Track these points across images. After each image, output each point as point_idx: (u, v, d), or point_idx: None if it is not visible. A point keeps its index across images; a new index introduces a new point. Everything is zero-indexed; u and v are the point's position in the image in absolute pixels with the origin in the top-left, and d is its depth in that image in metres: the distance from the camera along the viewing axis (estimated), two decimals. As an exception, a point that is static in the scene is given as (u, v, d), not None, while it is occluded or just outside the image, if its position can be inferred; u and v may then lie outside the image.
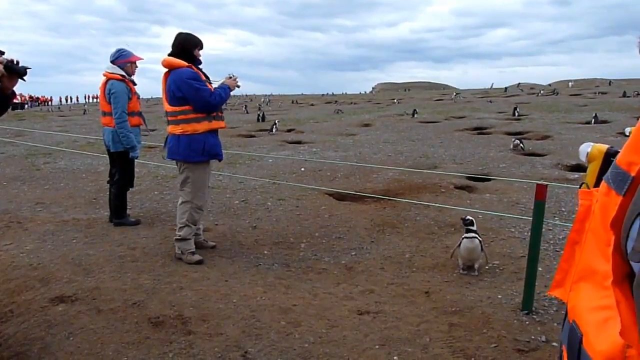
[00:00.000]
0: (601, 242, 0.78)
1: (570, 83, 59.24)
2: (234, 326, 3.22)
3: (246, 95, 63.79)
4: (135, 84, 5.48)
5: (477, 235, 4.16)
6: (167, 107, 4.32)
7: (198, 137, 4.27)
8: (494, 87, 61.18)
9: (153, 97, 60.97)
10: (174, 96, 4.22)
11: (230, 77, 4.50)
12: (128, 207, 5.78)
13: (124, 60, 5.37)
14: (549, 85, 64.36)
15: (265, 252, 4.81)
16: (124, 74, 5.34)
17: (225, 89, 4.39)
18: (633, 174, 0.70)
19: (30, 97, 53.94)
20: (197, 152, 4.30)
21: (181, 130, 4.25)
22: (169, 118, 4.33)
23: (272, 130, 15.69)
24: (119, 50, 5.42)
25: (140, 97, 5.91)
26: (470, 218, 4.29)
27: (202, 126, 4.29)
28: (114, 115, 5.27)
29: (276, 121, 16.92)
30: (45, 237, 5.13)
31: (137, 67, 5.54)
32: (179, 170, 4.48)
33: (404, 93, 63.23)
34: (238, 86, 4.54)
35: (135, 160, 5.60)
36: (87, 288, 3.76)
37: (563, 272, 0.97)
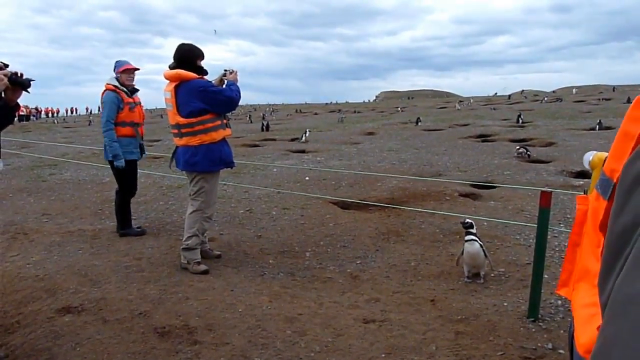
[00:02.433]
0: (593, 243, 0.84)
1: (574, 89, 59.12)
2: (239, 336, 3.22)
3: (250, 105, 64.00)
4: (130, 95, 5.43)
5: (476, 239, 4.15)
6: (181, 120, 4.28)
7: (215, 146, 4.33)
8: (497, 95, 61.15)
9: (157, 107, 61.20)
10: (191, 108, 4.23)
11: (231, 72, 4.51)
12: (133, 217, 5.81)
13: (117, 70, 5.43)
14: (553, 92, 64.34)
15: (271, 261, 4.81)
16: (117, 84, 5.39)
17: (235, 85, 4.45)
18: (614, 180, 0.74)
19: (35, 108, 54.29)
20: (215, 162, 4.37)
21: (199, 141, 4.28)
22: (184, 130, 4.30)
23: (301, 138, 15.84)
24: (116, 62, 5.52)
25: (144, 108, 5.92)
26: (470, 221, 4.29)
27: (219, 135, 4.35)
28: (101, 124, 5.37)
29: (307, 130, 17.02)
30: (51, 248, 5.15)
31: (131, 76, 5.49)
32: (190, 180, 4.50)
33: (407, 101, 63.34)
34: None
35: (138, 169, 5.64)
36: (94, 298, 3.78)
37: (567, 272, 1.04)
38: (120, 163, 5.39)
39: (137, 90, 5.60)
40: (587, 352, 0.75)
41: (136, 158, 5.56)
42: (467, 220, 4.32)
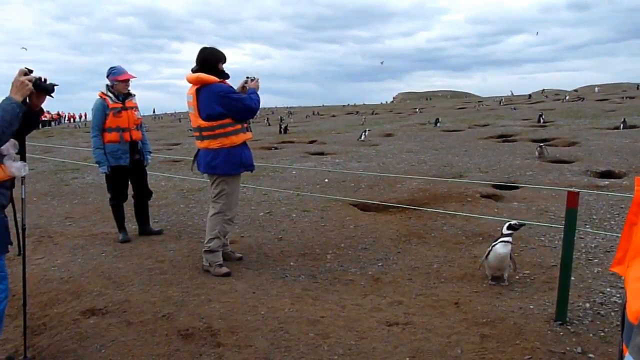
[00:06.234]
0: None
1: (596, 88, 57.99)
2: (262, 338, 3.21)
3: (267, 109, 64.24)
4: (120, 100, 5.35)
5: (511, 241, 4.07)
6: (202, 123, 4.30)
7: (235, 150, 4.35)
8: (514, 94, 60.26)
9: (176, 111, 61.83)
10: (211, 112, 4.24)
11: (253, 80, 4.51)
12: (155, 220, 5.85)
13: (111, 77, 5.37)
14: (575, 90, 63.26)
15: (292, 263, 4.80)
16: (104, 90, 5.38)
17: (256, 92, 4.46)
18: None
19: (57, 114, 55.15)
20: (235, 165, 4.39)
21: (219, 144, 4.30)
22: (205, 133, 4.33)
23: (361, 137, 15.94)
24: (110, 68, 5.46)
25: (141, 113, 5.65)
26: (517, 223, 4.22)
27: (239, 138, 4.37)
28: None
29: (367, 129, 17.16)
30: (75, 250, 5.21)
31: (127, 85, 5.42)
32: (211, 183, 4.53)
33: (425, 102, 62.94)
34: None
35: (158, 173, 5.67)
36: (117, 301, 3.81)
37: (623, 251, 1.12)
38: (103, 170, 5.41)
39: (131, 95, 5.49)
40: (637, 319, 0.87)
41: (124, 164, 5.40)
42: (515, 222, 4.25)
